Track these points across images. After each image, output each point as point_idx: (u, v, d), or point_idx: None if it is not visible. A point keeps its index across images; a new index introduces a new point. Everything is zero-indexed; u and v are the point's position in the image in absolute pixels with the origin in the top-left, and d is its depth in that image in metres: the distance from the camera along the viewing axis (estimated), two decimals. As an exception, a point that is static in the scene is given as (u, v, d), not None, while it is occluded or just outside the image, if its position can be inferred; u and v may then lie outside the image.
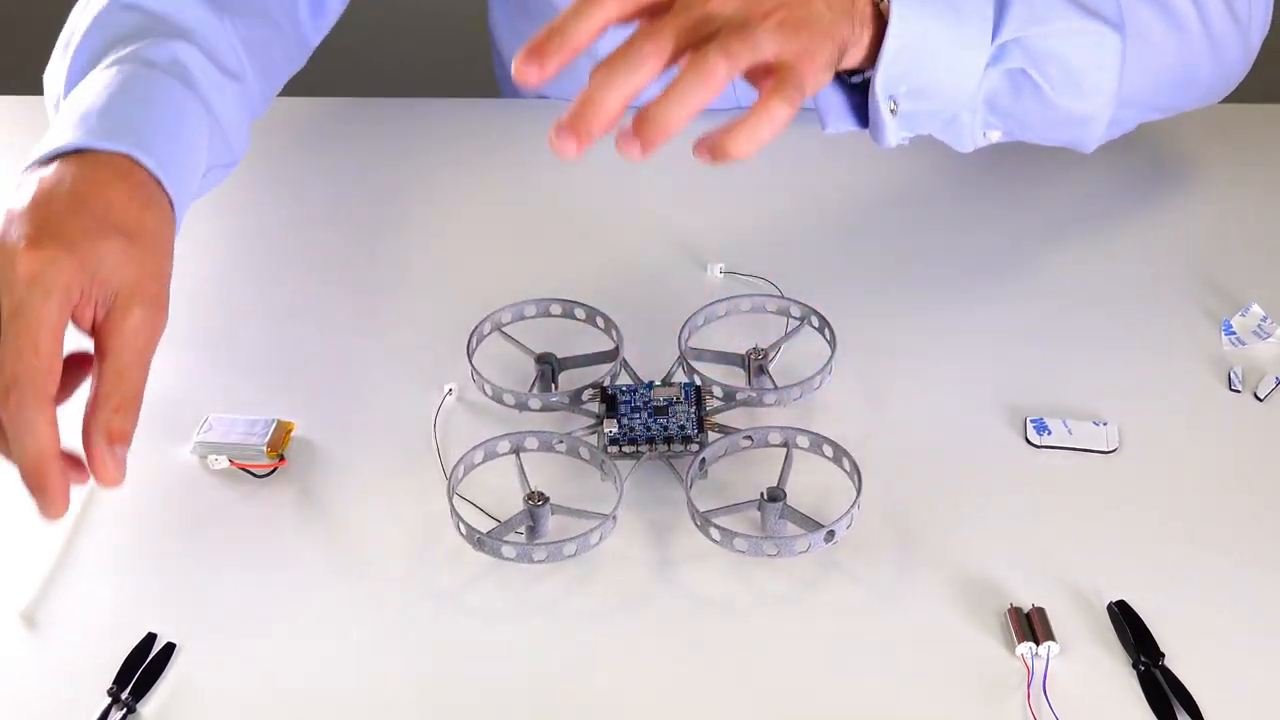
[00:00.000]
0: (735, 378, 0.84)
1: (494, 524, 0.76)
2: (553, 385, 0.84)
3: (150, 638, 0.71)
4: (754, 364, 0.84)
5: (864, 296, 0.92)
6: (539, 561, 0.73)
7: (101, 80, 0.81)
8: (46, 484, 0.68)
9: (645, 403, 0.80)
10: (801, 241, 0.97)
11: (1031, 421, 0.82)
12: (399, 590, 0.74)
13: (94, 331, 0.71)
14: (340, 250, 0.98)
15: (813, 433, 0.78)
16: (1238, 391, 0.85)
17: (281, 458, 0.81)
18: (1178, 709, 0.67)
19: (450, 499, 0.74)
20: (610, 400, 0.81)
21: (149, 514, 0.79)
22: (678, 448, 0.79)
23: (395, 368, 0.87)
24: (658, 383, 0.82)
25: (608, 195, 1.03)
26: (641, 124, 0.69)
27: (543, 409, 0.82)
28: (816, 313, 0.86)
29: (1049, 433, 0.82)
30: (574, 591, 0.74)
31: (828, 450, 0.77)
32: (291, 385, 0.86)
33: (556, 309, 0.87)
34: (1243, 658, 0.70)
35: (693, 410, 0.80)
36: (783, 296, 0.88)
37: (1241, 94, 1.07)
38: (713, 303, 0.87)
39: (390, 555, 0.76)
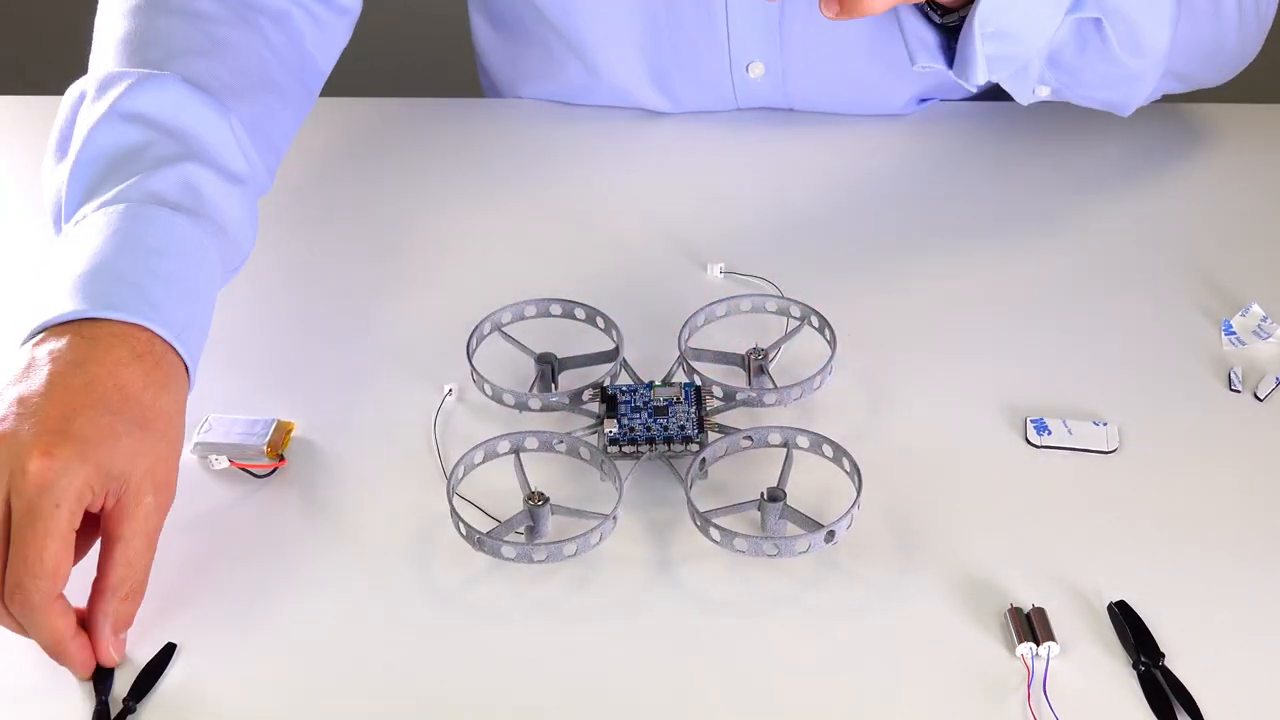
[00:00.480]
0: (735, 378, 0.84)
1: (494, 524, 0.76)
2: (553, 385, 0.84)
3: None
4: (754, 364, 0.84)
5: (864, 296, 0.92)
6: (539, 562, 0.73)
7: (106, 225, 0.77)
8: (67, 659, 0.69)
9: (645, 403, 0.80)
10: (801, 241, 0.97)
11: (1031, 421, 0.82)
12: (399, 590, 0.74)
13: (102, 513, 0.70)
14: (340, 250, 0.98)
15: (813, 433, 0.78)
16: (1238, 392, 0.85)
17: (281, 458, 0.81)
18: (1178, 709, 0.67)
19: (450, 499, 0.75)
20: (610, 400, 0.81)
21: (149, 514, 0.79)
22: (678, 448, 0.79)
23: (395, 368, 0.87)
24: (658, 383, 0.82)
25: (608, 195, 1.03)
26: None
27: (543, 409, 0.82)
28: (816, 313, 0.86)
29: (1049, 433, 0.82)
30: (574, 592, 0.74)
31: (828, 450, 0.77)
32: (291, 385, 0.86)
33: (556, 309, 0.87)
34: (1243, 658, 0.70)
35: (693, 410, 0.80)
36: (783, 296, 0.88)
37: (1241, 94, 1.07)
38: (713, 303, 0.87)
39: (390, 555, 0.76)
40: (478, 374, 0.82)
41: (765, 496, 0.75)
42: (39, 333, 0.73)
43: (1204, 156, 1.05)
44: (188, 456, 0.81)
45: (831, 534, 0.73)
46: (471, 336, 0.85)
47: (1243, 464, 0.80)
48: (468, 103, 1.14)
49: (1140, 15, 0.91)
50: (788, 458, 0.77)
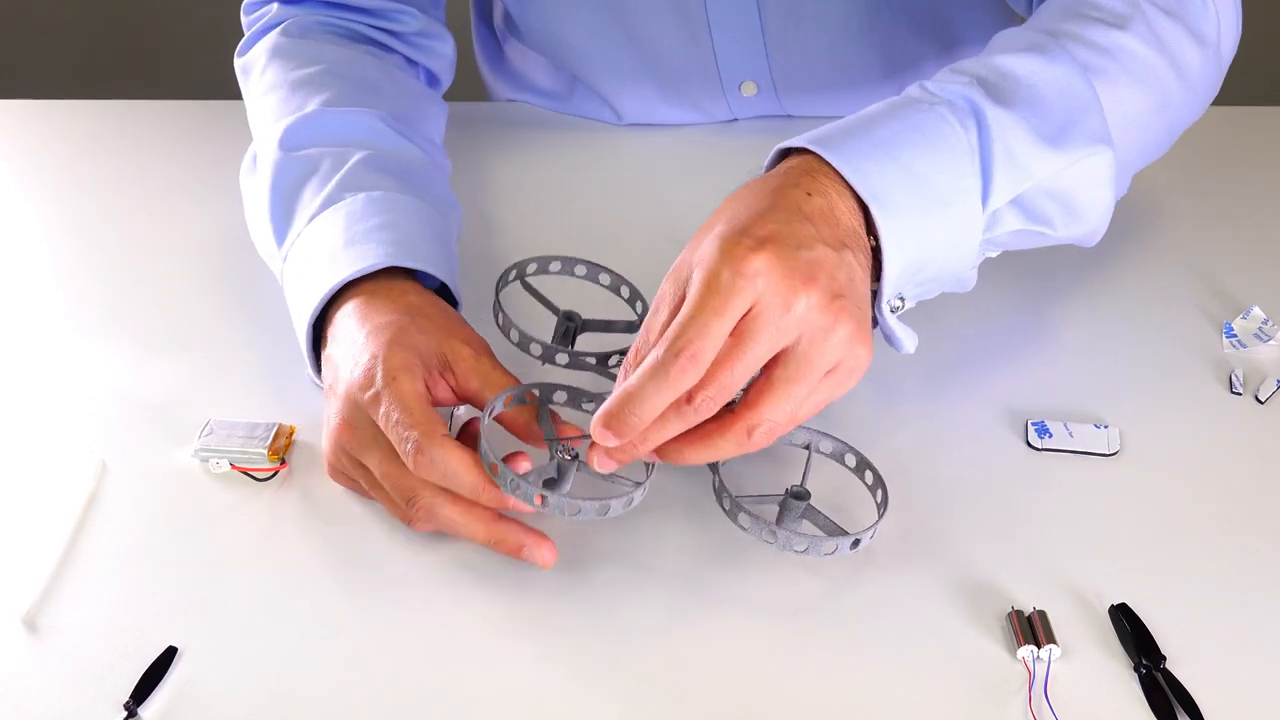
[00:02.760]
0: None
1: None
2: (571, 345, 0.82)
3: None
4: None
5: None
6: (572, 517, 0.70)
7: (332, 220, 0.86)
8: (488, 498, 0.73)
9: None
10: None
11: (1032, 424, 0.82)
12: (400, 592, 0.74)
13: (460, 395, 0.78)
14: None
15: (837, 439, 0.77)
16: (1239, 394, 0.85)
17: (282, 461, 0.81)
18: (1179, 712, 0.67)
19: (484, 425, 0.73)
20: None
21: (150, 517, 0.78)
22: None
23: (396, 370, 0.87)
24: None
25: (609, 199, 1.03)
26: (623, 427, 0.70)
27: (569, 365, 0.80)
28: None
29: (1050, 435, 0.82)
30: (574, 594, 0.74)
31: (850, 460, 0.76)
32: (292, 389, 0.86)
33: (581, 270, 0.85)
34: (1244, 660, 0.70)
35: None
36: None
37: (1242, 96, 1.07)
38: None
39: (391, 558, 0.76)
40: (505, 315, 0.80)
41: (789, 493, 0.74)
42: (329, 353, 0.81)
43: (1204, 159, 1.05)
44: (189, 460, 0.81)
45: (857, 542, 0.72)
46: (499, 280, 0.83)
47: (1244, 466, 0.80)
48: (470, 106, 1.14)
49: (1074, 187, 0.79)
50: (809, 460, 0.77)
